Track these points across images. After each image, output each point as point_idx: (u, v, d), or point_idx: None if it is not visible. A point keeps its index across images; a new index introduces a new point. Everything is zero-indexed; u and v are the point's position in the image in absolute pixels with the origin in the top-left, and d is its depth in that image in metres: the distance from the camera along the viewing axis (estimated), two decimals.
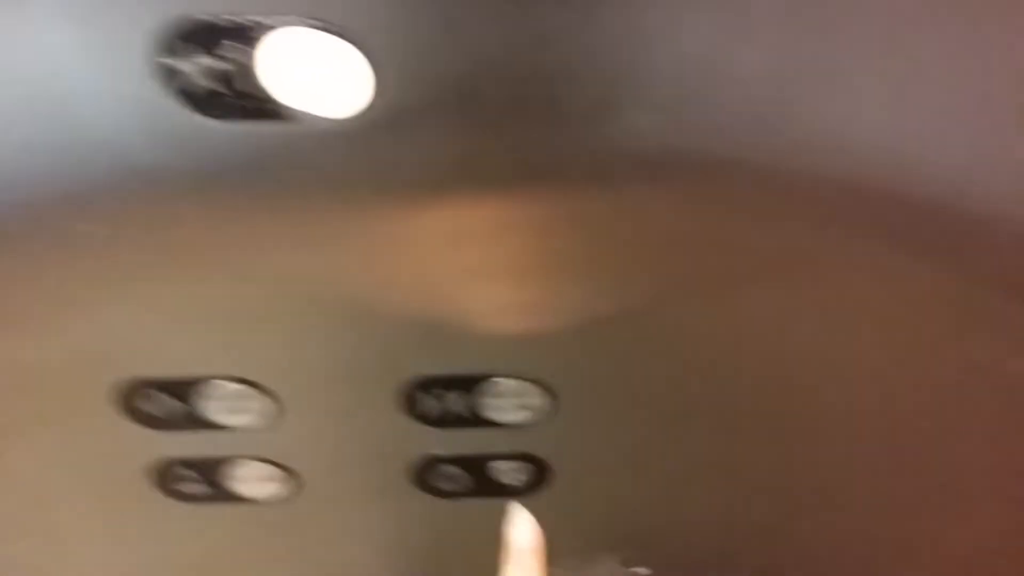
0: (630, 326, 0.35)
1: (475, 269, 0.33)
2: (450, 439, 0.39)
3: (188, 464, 0.40)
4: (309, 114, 0.27)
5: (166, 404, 0.37)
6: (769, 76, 0.27)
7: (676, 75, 0.27)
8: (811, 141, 0.28)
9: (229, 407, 0.37)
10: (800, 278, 0.34)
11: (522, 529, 0.36)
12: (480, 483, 0.40)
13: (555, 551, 0.37)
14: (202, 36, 0.26)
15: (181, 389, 0.36)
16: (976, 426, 0.38)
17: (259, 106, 0.27)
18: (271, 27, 0.25)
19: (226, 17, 0.25)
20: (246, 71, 0.26)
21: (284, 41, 0.26)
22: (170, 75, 0.26)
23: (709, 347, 0.36)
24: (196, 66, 0.26)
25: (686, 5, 0.26)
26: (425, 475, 0.40)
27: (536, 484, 0.41)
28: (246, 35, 0.25)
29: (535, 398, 0.37)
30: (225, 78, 0.26)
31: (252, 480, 0.40)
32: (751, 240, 0.32)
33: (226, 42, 0.26)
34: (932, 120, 0.28)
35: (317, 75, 0.26)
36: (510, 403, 0.38)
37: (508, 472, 0.40)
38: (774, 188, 0.30)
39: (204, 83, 0.26)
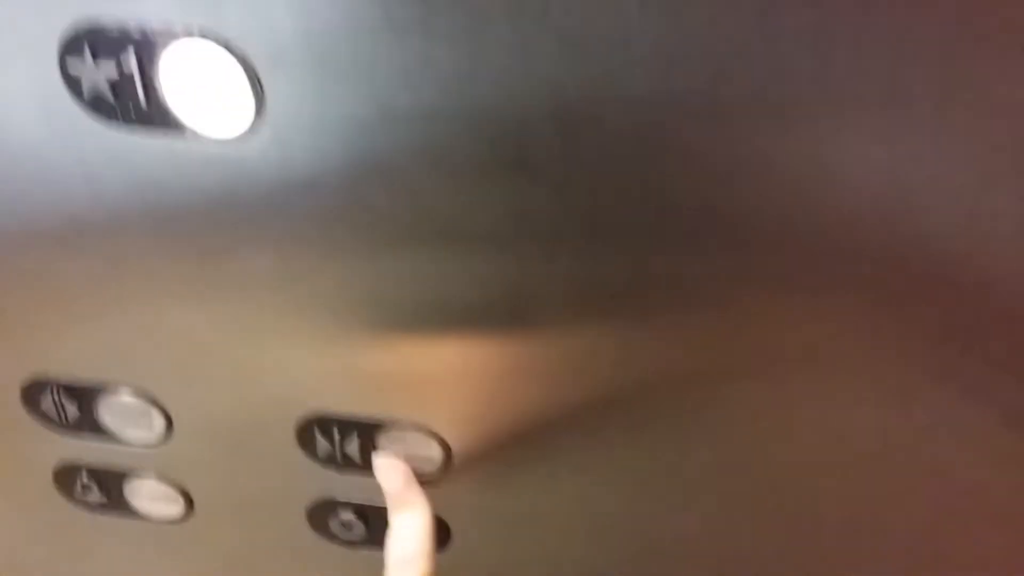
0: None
1: (370, 315, 0.33)
2: (346, 485, 0.38)
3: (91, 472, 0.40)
4: (199, 130, 0.27)
5: (67, 408, 0.37)
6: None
7: None
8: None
9: (128, 420, 0.37)
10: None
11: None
12: (374, 533, 0.39)
13: None
14: (107, 43, 0.26)
15: (82, 394, 0.36)
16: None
17: (155, 116, 0.27)
18: (174, 37, 0.26)
19: (131, 25, 0.26)
20: (148, 80, 0.27)
21: (184, 53, 0.26)
22: (74, 80, 0.27)
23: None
24: (100, 72, 0.27)
25: None
26: (320, 517, 0.40)
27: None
28: (150, 45, 0.26)
29: (431, 450, 0.37)
30: (124, 85, 0.27)
31: (149, 498, 0.40)
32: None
33: (130, 50, 0.27)
34: None
35: (210, 92, 0.27)
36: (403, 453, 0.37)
37: None
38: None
39: (106, 89, 0.27)
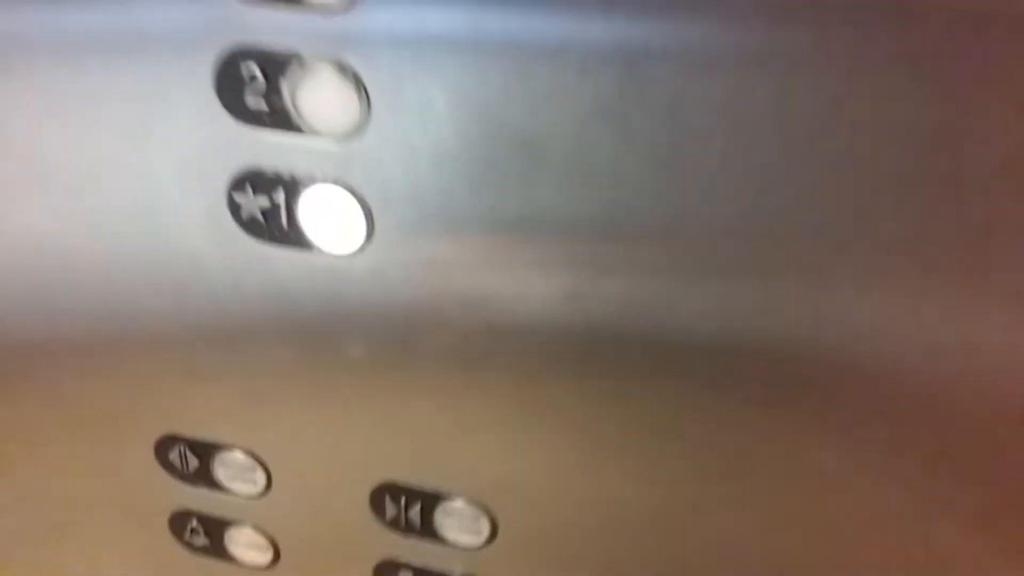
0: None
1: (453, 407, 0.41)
2: (408, 548, 0.45)
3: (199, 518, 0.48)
4: (322, 247, 0.37)
5: (190, 461, 0.46)
6: None
7: None
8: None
9: (236, 474, 0.45)
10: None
11: None
12: None
13: None
14: (264, 183, 0.36)
15: (203, 450, 0.45)
16: None
17: (291, 235, 0.37)
18: (313, 182, 0.36)
19: (284, 171, 0.36)
20: (290, 210, 0.36)
21: (319, 192, 0.36)
22: (236, 206, 0.37)
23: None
24: (256, 202, 0.37)
25: None
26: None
27: None
28: (289, 186, 0.36)
29: (483, 524, 0.44)
30: (273, 213, 0.36)
31: (244, 545, 0.48)
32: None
33: (280, 189, 0.36)
34: None
35: (334, 219, 0.36)
36: (461, 524, 0.44)
37: None
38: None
39: (258, 215, 0.37)
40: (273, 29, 0.33)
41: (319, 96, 0.34)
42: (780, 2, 0.29)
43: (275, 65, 0.33)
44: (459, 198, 0.34)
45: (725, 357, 0.36)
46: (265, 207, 0.36)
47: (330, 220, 0.36)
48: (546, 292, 0.36)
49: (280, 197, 0.36)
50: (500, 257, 0.36)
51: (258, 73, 0.34)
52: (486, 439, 0.41)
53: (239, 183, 0.36)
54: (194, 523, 0.48)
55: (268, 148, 0.35)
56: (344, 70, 0.33)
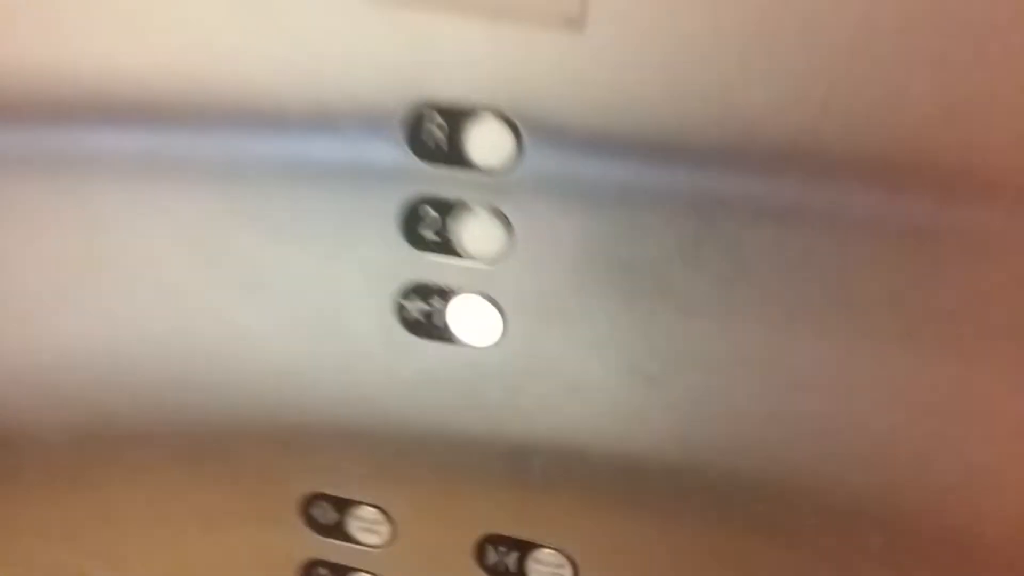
0: None
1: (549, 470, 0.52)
2: None
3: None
4: (466, 340, 0.49)
5: (329, 515, 0.56)
6: None
7: None
8: None
9: (364, 527, 0.56)
10: None
11: None
12: None
13: None
14: (425, 292, 0.49)
15: (342, 505, 0.56)
16: None
17: (443, 331, 0.49)
18: (461, 292, 0.48)
19: (442, 285, 0.48)
20: (443, 313, 0.49)
21: (466, 300, 0.48)
22: (400, 307, 0.49)
23: None
24: (417, 306, 0.49)
25: None
26: None
27: None
28: (445, 294, 0.48)
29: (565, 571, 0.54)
30: (431, 316, 0.49)
31: None
32: None
33: (436, 298, 0.49)
34: None
35: (476, 318, 0.49)
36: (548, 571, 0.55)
37: None
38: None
39: (420, 317, 0.49)
40: (448, 182, 0.46)
41: (476, 230, 0.47)
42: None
43: (446, 208, 0.47)
44: (576, 311, 0.47)
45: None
46: (424, 311, 0.49)
47: (473, 320, 0.49)
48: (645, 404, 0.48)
49: (436, 303, 0.49)
50: (594, 356, 0.48)
51: (433, 214, 0.47)
52: (576, 502, 0.53)
53: (407, 293, 0.49)
54: (322, 571, 0.58)
55: (432, 266, 0.48)
56: (498, 213, 0.46)
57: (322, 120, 0.46)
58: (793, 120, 0.41)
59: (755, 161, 0.42)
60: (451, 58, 0.43)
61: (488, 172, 0.45)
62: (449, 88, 0.44)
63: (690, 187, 0.43)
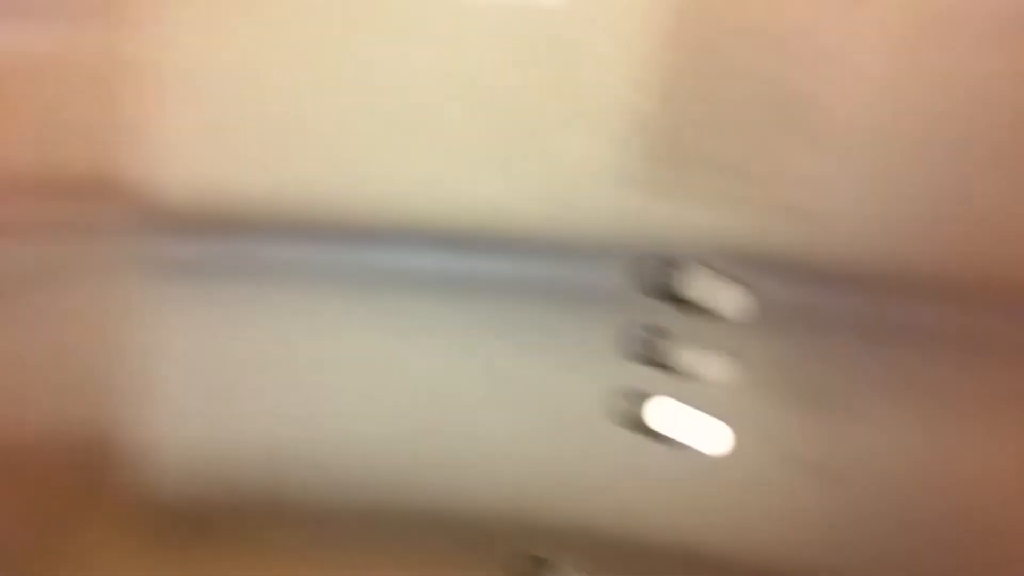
0: None
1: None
2: None
3: None
4: (692, 446, 0.54)
5: None
6: None
7: None
8: None
9: None
10: None
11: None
12: None
13: None
14: (640, 398, 0.53)
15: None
16: None
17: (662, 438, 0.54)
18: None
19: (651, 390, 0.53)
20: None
21: (665, 407, 0.53)
22: (619, 412, 0.54)
23: None
24: (633, 406, 0.53)
25: None
26: None
27: None
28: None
29: None
30: (649, 419, 0.53)
31: None
32: None
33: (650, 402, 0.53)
34: None
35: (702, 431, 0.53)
36: None
37: None
38: None
39: (639, 418, 0.54)
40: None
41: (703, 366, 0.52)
42: None
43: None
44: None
45: None
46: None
47: (701, 433, 0.53)
48: None
49: (653, 407, 0.53)
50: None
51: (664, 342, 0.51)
52: None
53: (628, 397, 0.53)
54: None
55: (666, 383, 0.53)
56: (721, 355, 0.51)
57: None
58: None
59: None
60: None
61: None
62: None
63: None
